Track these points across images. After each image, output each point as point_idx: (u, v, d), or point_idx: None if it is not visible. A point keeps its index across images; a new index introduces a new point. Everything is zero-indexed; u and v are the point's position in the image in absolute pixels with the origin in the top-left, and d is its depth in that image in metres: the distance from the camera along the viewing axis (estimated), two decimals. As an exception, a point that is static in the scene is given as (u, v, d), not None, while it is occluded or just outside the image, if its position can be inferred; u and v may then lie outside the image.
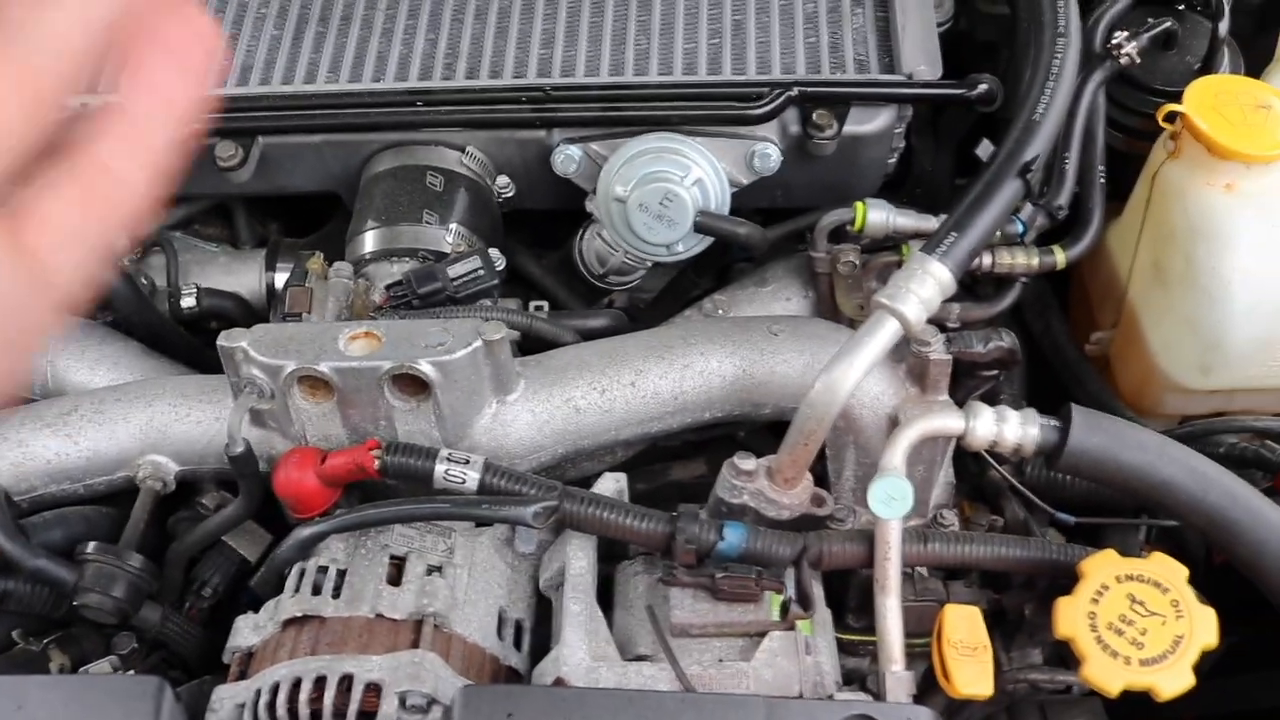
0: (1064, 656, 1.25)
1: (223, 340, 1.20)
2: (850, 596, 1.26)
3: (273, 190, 1.52)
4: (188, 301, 1.52)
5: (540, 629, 1.22)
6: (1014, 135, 1.25)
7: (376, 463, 1.18)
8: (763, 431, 1.43)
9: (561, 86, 1.40)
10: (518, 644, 1.20)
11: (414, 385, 1.20)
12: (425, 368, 1.17)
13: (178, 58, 0.47)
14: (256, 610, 1.21)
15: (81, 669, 1.23)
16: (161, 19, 0.47)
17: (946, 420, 1.17)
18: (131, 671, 1.25)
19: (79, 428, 1.29)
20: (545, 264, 1.57)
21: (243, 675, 1.17)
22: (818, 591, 1.18)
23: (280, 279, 1.59)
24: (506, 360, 1.22)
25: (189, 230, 1.68)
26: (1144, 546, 1.35)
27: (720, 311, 1.42)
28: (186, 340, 1.51)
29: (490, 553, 1.22)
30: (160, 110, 0.47)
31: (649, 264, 1.44)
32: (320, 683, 1.08)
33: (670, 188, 1.33)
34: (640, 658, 1.14)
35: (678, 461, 1.45)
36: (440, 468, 1.18)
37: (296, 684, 1.08)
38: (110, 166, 0.46)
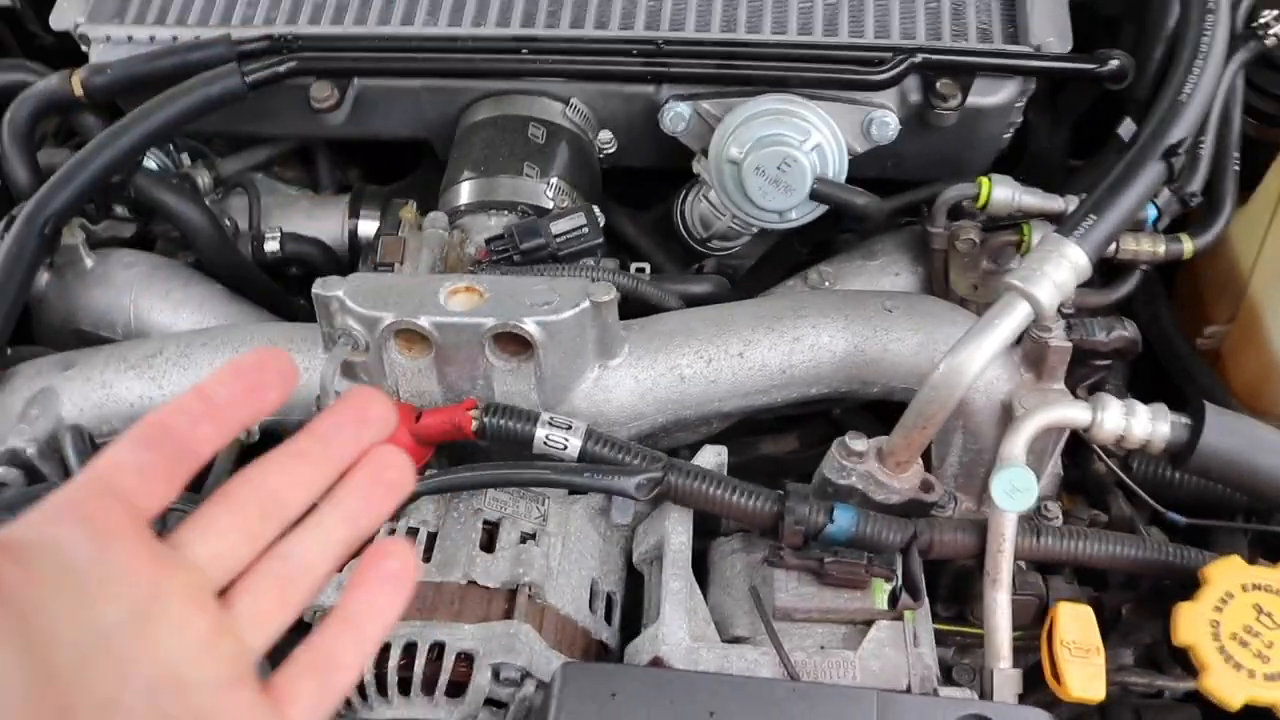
0: (1155, 659, 1.21)
1: (318, 288, 1.16)
2: (941, 585, 1.21)
3: (365, 134, 1.47)
4: (271, 246, 1.48)
5: (630, 603, 1.18)
6: (1158, 115, 1.19)
7: (474, 423, 1.14)
8: (858, 410, 1.38)
9: (674, 41, 1.35)
10: (608, 618, 1.16)
11: (516, 344, 1.16)
12: (530, 327, 1.13)
13: (390, 581, 0.62)
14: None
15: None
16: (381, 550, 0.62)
17: (1073, 411, 1.11)
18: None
19: (163, 371, 1.24)
20: (639, 224, 1.52)
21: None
22: (925, 581, 1.13)
23: (364, 226, 1.55)
24: (613, 323, 1.18)
25: (269, 172, 1.63)
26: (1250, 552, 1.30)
27: (826, 283, 1.36)
28: (269, 285, 1.47)
29: (584, 522, 1.18)
30: (373, 619, 0.61)
31: (755, 230, 1.39)
32: (410, 649, 1.04)
33: (789, 152, 1.28)
34: (737, 639, 1.10)
35: (769, 435, 1.41)
36: (541, 432, 1.13)
37: (385, 649, 1.05)
38: (336, 652, 0.60)
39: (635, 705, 0.95)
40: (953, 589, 1.22)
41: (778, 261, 1.44)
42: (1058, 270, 1.09)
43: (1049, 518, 1.28)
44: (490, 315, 1.13)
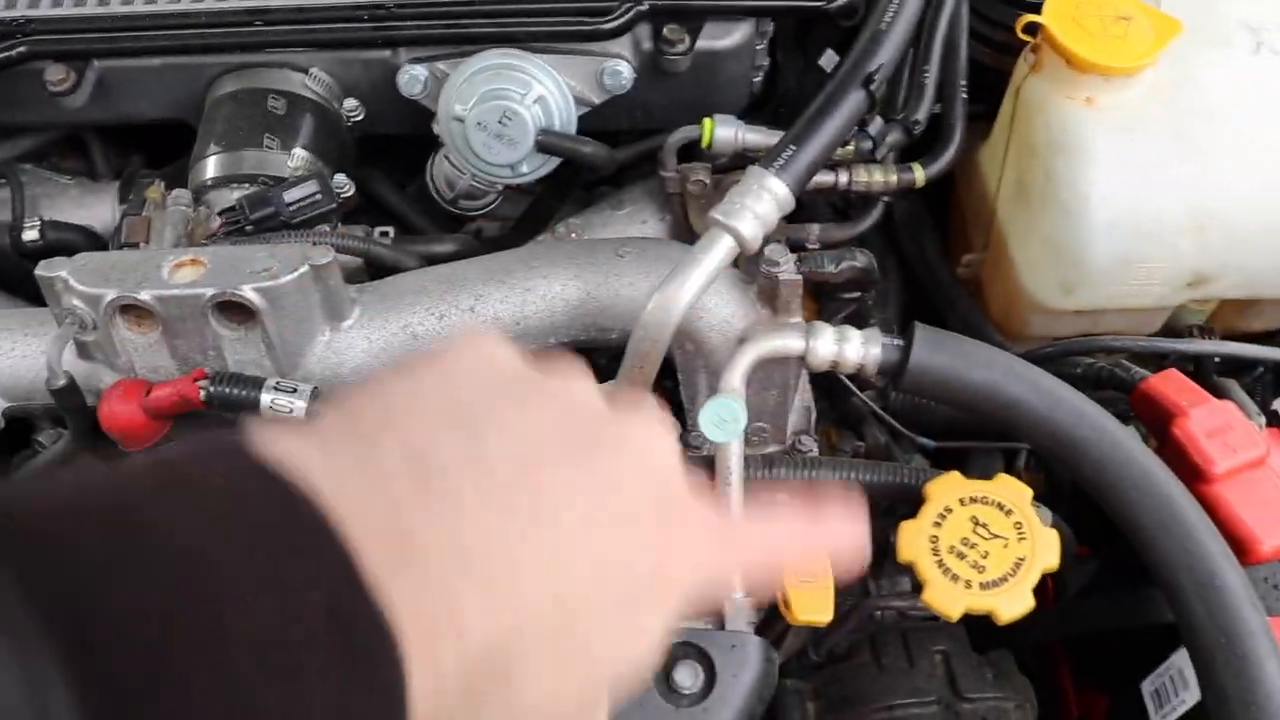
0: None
1: (40, 269, 1.16)
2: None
3: (116, 118, 1.46)
4: (30, 235, 1.45)
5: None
6: (859, 45, 1.21)
7: (201, 393, 1.14)
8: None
9: (405, 3, 1.34)
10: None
11: (241, 313, 1.16)
12: (249, 294, 1.13)
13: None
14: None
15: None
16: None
17: (785, 340, 1.13)
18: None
19: (-105, 359, 1.24)
20: (408, 192, 1.53)
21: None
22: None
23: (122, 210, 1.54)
24: (337, 286, 1.18)
25: (44, 163, 1.62)
26: (1025, 473, 1.33)
27: (574, 236, 1.38)
28: (29, 274, 1.46)
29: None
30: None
31: (498, 187, 1.39)
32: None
33: (509, 105, 1.28)
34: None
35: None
36: (267, 397, 1.14)
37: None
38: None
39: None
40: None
41: (537, 219, 1.44)
42: (759, 203, 1.11)
43: (803, 450, 1.31)
44: (210, 285, 1.13)
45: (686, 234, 1.37)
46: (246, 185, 1.33)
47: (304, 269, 1.15)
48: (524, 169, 1.32)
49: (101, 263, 1.17)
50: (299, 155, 1.35)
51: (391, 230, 1.35)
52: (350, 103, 1.40)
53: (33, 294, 1.40)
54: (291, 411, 1.14)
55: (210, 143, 1.38)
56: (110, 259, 1.18)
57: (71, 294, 1.15)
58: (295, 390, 1.14)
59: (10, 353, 1.24)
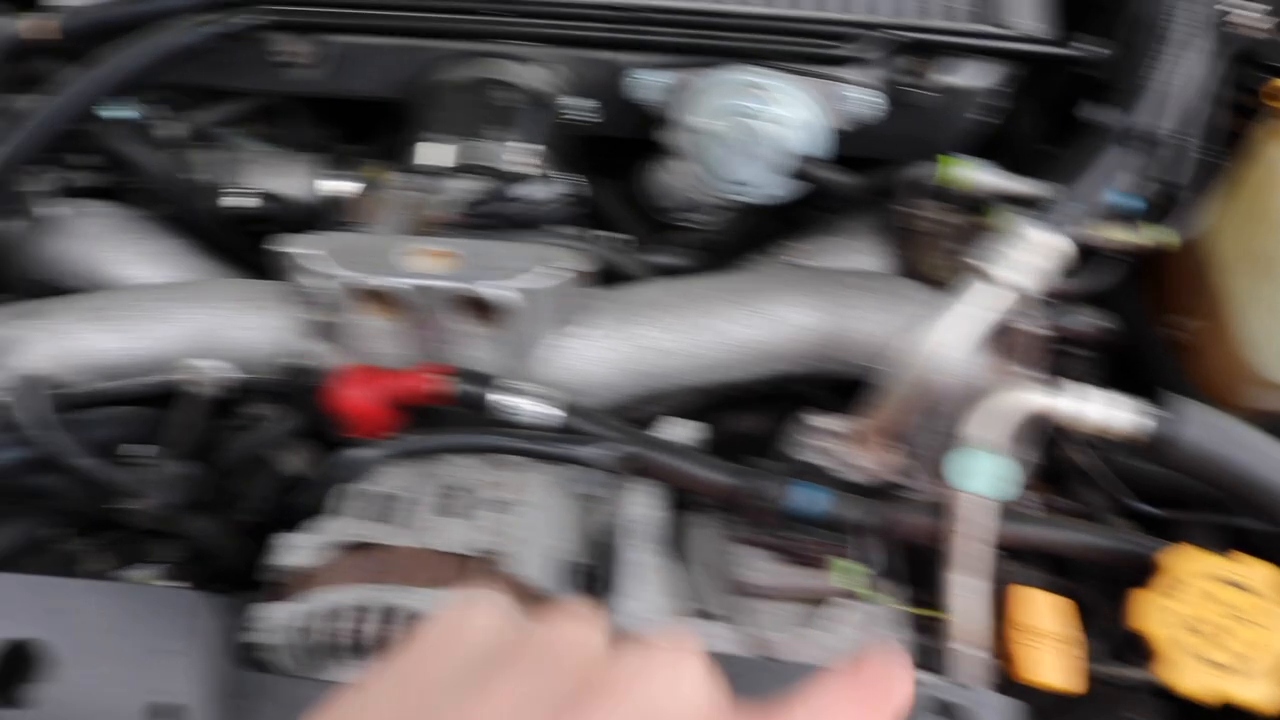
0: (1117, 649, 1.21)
1: (284, 246, 1.15)
2: (916, 568, 1.21)
3: (336, 92, 1.45)
4: (236, 200, 1.45)
5: (600, 575, 1.18)
6: (1131, 101, 1.19)
7: (446, 388, 1.13)
8: (832, 389, 1.38)
9: (643, 8, 1.33)
10: (580, 587, 1.15)
11: (485, 310, 1.15)
12: (500, 293, 1.12)
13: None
14: (292, 529, 1.16)
15: (115, 574, 1.18)
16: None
17: (1050, 397, 1.11)
18: (168, 582, 1.19)
19: (126, 323, 1.22)
20: (610, 193, 1.51)
21: (282, 596, 1.12)
22: (889, 562, 1.13)
23: (331, 185, 1.52)
24: (583, 293, 1.17)
25: (240, 128, 1.60)
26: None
27: (797, 261, 1.36)
28: (234, 240, 1.45)
29: (551, 491, 1.17)
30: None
31: (717, 202, 1.37)
32: (389, 613, 1.03)
33: (754, 124, 1.27)
34: (704, 615, 1.10)
35: (740, 412, 1.40)
36: (514, 400, 1.13)
37: (348, 611, 1.04)
38: None
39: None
40: (928, 572, 1.22)
41: (745, 236, 1.43)
42: (1028, 254, 1.09)
43: (1022, 504, 1.28)
44: (460, 279, 1.12)
45: (908, 269, 1.35)
46: (472, 175, 1.32)
47: (557, 272, 1.13)
48: (758, 188, 1.30)
49: (345, 244, 1.16)
50: (520, 149, 1.33)
51: (620, 237, 1.33)
52: (574, 100, 1.39)
53: (241, 257, 1.40)
54: (541, 417, 1.13)
55: (434, 128, 1.36)
56: (353, 241, 1.17)
57: (317, 273, 1.14)
58: (546, 396, 1.13)
59: (238, 324, 1.22)
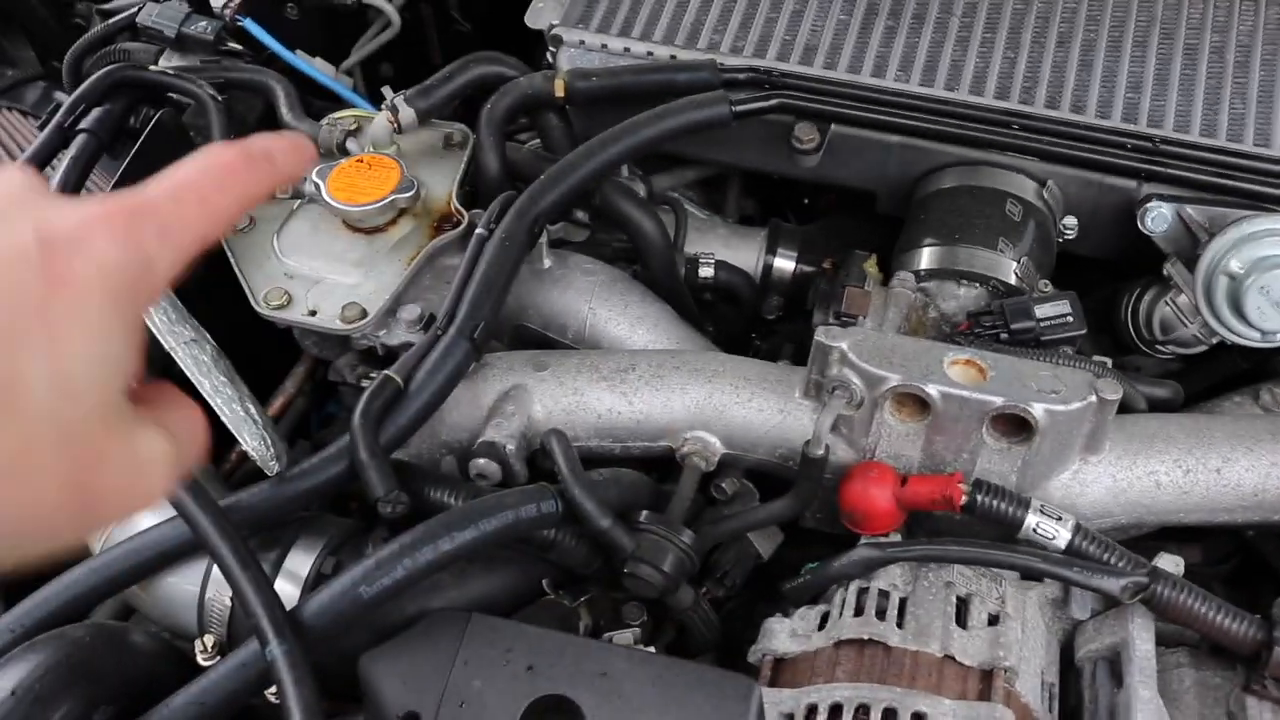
0: None
1: (822, 337, 1.17)
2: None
3: (826, 179, 1.47)
4: (706, 271, 1.48)
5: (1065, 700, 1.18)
6: None
7: (965, 498, 1.14)
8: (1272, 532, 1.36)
9: (1171, 141, 1.33)
10: (1050, 710, 1.15)
11: (1012, 426, 1.16)
12: (1037, 412, 1.12)
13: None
14: (773, 612, 1.18)
15: (604, 636, 1.20)
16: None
17: None
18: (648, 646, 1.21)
19: (635, 388, 1.26)
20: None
21: (773, 681, 1.14)
22: None
23: (780, 263, 1.55)
24: (1108, 421, 1.17)
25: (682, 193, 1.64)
26: None
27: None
28: (693, 310, 1.48)
29: (1037, 610, 1.17)
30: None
31: (1215, 342, 1.36)
32: (889, 715, 1.04)
33: (1300, 279, 1.25)
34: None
35: (1171, 542, 1.39)
36: (1033, 519, 1.13)
37: (862, 710, 1.05)
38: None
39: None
40: None
41: (1210, 372, 1.42)
42: None
43: None
44: (998, 394, 1.13)
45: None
46: (975, 285, 1.33)
47: (1092, 399, 1.14)
48: (1278, 337, 1.29)
49: (880, 344, 1.18)
50: (1025, 264, 1.34)
51: (1109, 362, 1.32)
52: (1070, 220, 1.39)
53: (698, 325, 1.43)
54: (1053, 539, 1.13)
55: (929, 232, 1.38)
56: (888, 342, 1.19)
57: (851, 368, 1.16)
58: (1060, 519, 1.13)
59: (746, 403, 1.25)
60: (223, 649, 1.18)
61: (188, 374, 1.19)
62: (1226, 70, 1.41)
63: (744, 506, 1.27)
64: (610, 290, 1.39)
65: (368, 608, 1.06)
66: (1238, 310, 1.27)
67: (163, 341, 1.19)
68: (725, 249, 1.55)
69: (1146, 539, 1.28)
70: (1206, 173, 1.32)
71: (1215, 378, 1.42)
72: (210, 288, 1.29)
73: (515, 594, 1.21)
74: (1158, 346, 1.41)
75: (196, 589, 1.21)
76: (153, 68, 1.56)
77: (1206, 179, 1.32)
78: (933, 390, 1.14)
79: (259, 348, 1.36)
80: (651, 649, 1.17)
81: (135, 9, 1.63)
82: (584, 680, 1.02)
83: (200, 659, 1.18)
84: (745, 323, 1.57)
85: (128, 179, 1.37)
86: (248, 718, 1.18)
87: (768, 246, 1.55)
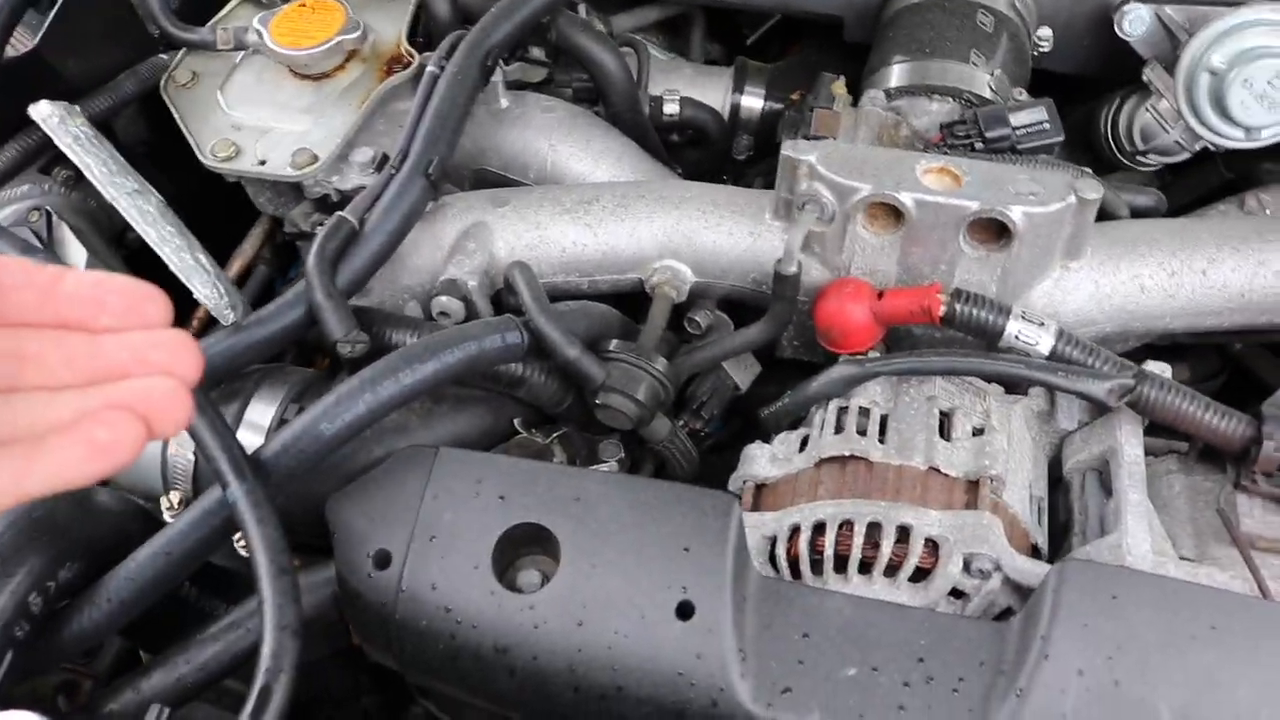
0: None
1: (788, 150, 1.12)
2: None
3: (787, 6, 1.42)
4: (670, 108, 1.44)
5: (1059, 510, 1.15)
6: None
7: (943, 308, 1.10)
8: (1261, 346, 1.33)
9: (1147, -61, 1.28)
10: (1039, 523, 1.12)
11: (990, 233, 1.12)
12: (1015, 215, 1.08)
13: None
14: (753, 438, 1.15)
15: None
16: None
17: None
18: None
19: (600, 219, 1.22)
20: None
21: (756, 506, 1.11)
22: None
23: (747, 100, 1.50)
24: (1088, 224, 1.13)
25: (645, 35, 1.59)
26: None
27: (1268, 211, 1.31)
28: (659, 145, 1.43)
29: (1022, 423, 1.14)
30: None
31: (1200, 147, 1.32)
32: (874, 529, 1.01)
33: (1281, 65, 1.21)
34: (1183, 560, 1.06)
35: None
36: (1014, 326, 1.09)
37: (846, 526, 1.02)
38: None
39: (1138, 609, 0.92)
40: None
41: (1194, 185, 1.38)
42: None
43: None
44: (975, 199, 1.09)
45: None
46: (946, 98, 1.29)
47: (1071, 199, 1.10)
48: (1264, 134, 1.25)
49: (850, 155, 1.13)
50: (999, 76, 1.30)
51: (1084, 170, 1.28)
52: (1044, 31, 1.35)
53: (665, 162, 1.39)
54: (1036, 345, 1.09)
55: (898, 50, 1.33)
56: (858, 153, 1.14)
57: (821, 181, 1.11)
58: (1042, 324, 1.09)
59: (715, 228, 1.21)
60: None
61: (133, 225, 1.14)
62: None
63: (719, 337, 1.23)
64: (571, 126, 1.35)
65: (330, 445, 1.02)
66: (1220, 108, 1.23)
67: (104, 193, 1.15)
68: (691, 88, 1.50)
69: (1132, 356, 1.24)
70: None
71: (1200, 190, 1.39)
72: (158, 154, 1.25)
73: (485, 434, 1.18)
74: (1139, 157, 1.37)
75: (158, 446, 1.17)
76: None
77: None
78: (906, 198, 1.10)
79: (211, 216, 1.32)
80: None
81: None
82: (558, 506, 0.99)
83: (167, 516, 1.14)
84: (715, 165, 1.52)
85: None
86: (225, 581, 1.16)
87: (735, 85, 1.51)
